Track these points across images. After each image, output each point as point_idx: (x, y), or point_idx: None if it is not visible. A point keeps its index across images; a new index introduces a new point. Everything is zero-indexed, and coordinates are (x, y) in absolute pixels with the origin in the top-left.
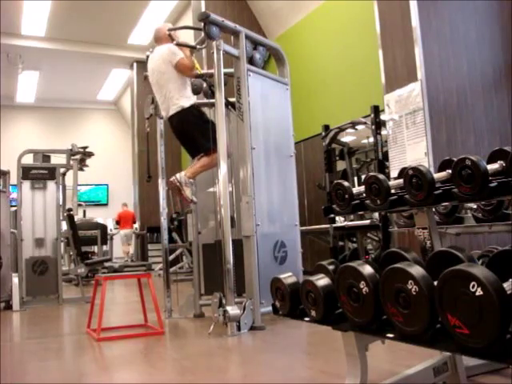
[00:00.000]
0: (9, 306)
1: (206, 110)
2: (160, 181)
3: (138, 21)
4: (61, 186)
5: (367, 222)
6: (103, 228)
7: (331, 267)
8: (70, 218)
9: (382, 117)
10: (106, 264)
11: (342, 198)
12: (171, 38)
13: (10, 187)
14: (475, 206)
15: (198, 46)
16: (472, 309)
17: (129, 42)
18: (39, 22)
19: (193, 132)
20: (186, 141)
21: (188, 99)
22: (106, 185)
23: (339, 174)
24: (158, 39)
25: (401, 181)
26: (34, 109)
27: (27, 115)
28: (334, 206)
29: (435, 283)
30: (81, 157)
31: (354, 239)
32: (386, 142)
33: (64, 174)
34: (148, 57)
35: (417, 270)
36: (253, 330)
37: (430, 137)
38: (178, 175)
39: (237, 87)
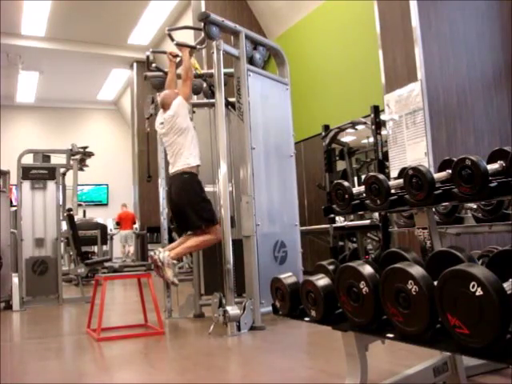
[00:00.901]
0: (9, 306)
1: (206, 109)
2: (160, 181)
3: (138, 21)
4: (61, 186)
5: (367, 222)
6: (103, 228)
7: (331, 267)
8: (70, 218)
9: (382, 117)
10: (106, 264)
11: (342, 198)
12: (171, 39)
13: (14, 187)
14: (475, 206)
15: (198, 46)
16: (472, 309)
17: (129, 42)
18: (39, 22)
19: (188, 206)
20: (178, 212)
21: (195, 158)
22: (106, 185)
23: (339, 174)
24: (166, 105)
25: (401, 181)
26: (34, 109)
27: (27, 115)
28: (334, 206)
29: (435, 283)
30: (81, 157)
31: (354, 239)
32: (385, 142)
33: (64, 174)
34: (148, 57)
35: (417, 270)
36: (253, 330)
37: (430, 137)
38: (160, 254)
39: (237, 87)
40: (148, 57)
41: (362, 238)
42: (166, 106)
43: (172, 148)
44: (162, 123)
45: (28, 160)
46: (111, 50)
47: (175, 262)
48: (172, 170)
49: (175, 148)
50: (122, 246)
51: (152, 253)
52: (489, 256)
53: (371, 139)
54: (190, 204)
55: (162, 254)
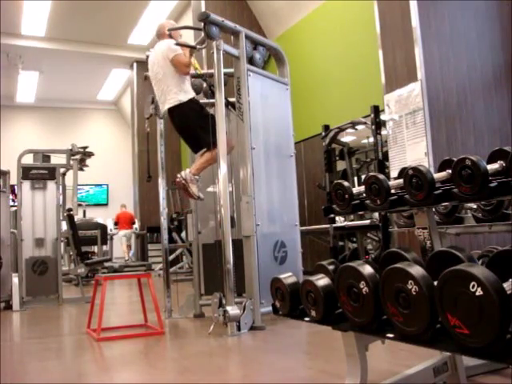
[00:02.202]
0: (9, 306)
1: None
2: (160, 181)
3: (138, 21)
4: (61, 186)
5: (367, 222)
6: (103, 228)
7: (331, 267)
8: (70, 218)
9: (382, 117)
10: (106, 264)
11: (341, 198)
12: (170, 38)
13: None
14: (475, 206)
15: (198, 46)
16: (472, 309)
17: (129, 41)
18: (39, 22)
19: (194, 127)
20: (188, 136)
21: (186, 93)
22: (106, 185)
23: (339, 174)
24: (161, 35)
25: (401, 181)
26: (34, 109)
27: (27, 115)
28: (334, 206)
29: (435, 283)
30: (81, 157)
31: (354, 239)
32: (385, 142)
33: (64, 174)
34: (148, 56)
35: (417, 270)
36: (253, 330)
37: (430, 137)
38: (182, 173)
39: (237, 87)
40: (148, 57)
41: (362, 238)
42: (159, 36)
43: (160, 86)
44: (155, 51)
45: (28, 160)
46: (111, 50)
47: (197, 177)
48: (163, 107)
49: (163, 86)
50: (121, 246)
51: (176, 177)
52: (489, 256)
53: (371, 139)
54: (197, 124)
55: (184, 172)
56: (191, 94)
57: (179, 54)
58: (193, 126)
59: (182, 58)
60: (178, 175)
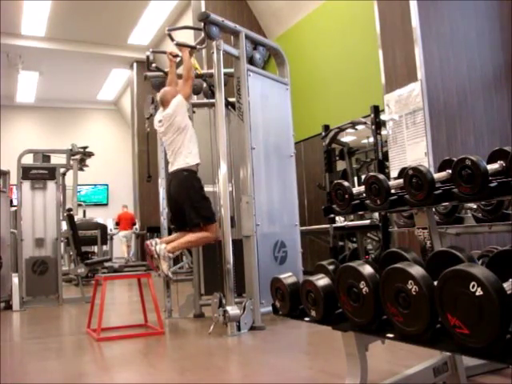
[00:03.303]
0: (9, 306)
1: (206, 109)
2: (160, 181)
3: (138, 21)
4: (61, 186)
5: (367, 222)
6: (103, 228)
7: (331, 267)
8: (70, 218)
9: (382, 117)
10: (106, 264)
11: (341, 198)
12: (171, 39)
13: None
14: (475, 206)
15: (198, 46)
16: (472, 309)
17: (129, 42)
18: (39, 22)
19: (186, 203)
20: (176, 208)
21: (194, 157)
22: (106, 185)
23: (339, 174)
24: (165, 102)
25: (401, 181)
26: (34, 109)
27: (27, 115)
28: (334, 205)
29: (435, 283)
30: (81, 157)
31: (354, 239)
32: (385, 142)
33: (64, 174)
34: (158, 122)
35: (417, 270)
36: (253, 330)
37: (430, 137)
38: (157, 246)
39: (237, 87)
40: (148, 57)
41: (362, 238)
42: (165, 103)
43: (171, 147)
44: (160, 121)
45: (28, 160)
46: (111, 50)
47: (171, 255)
48: (171, 168)
49: (174, 147)
50: (121, 246)
51: (148, 242)
52: (489, 256)
53: (371, 139)
54: (189, 201)
55: (159, 246)
56: (197, 159)
57: (180, 90)
58: (185, 200)
59: (183, 85)
60: (151, 242)
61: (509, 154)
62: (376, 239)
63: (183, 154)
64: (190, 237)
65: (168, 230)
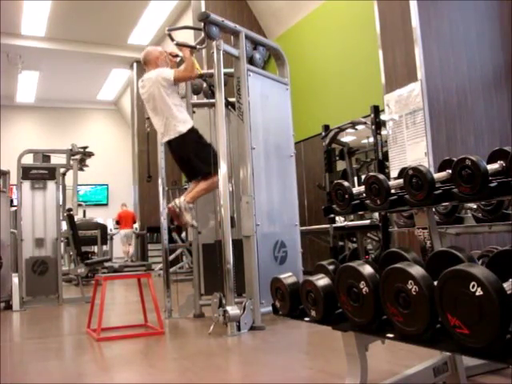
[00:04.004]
0: (9, 306)
1: (206, 109)
2: (160, 181)
3: (138, 21)
4: (61, 186)
5: (367, 222)
6: (103, 228)
7: (331, 267)
8: (70, 218)
9: (382, 117)
10: (106, 264)
11: (342, 198)
12: (171, 39)
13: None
14: (475, 206)
15: (198, 46)
16: (472, 309)
17: (129, 42)
18: (39, 22)
19: (191, 156)
20: (184, 165)
21: (186, 123)
22: (106, 185)
23: (339, 174)
24: (147, 62)
25: (401, 181)
26: (33, 109)
27: (27, 115)
28: (334, 206)
29: (435, 283)
30: (81, 157)
31: (354, 239)
32: (385, 142)
33: (64, 174)
34: (141, 86)
35: (417, 270)
36: (253, 330)
37: (430, 137)
38: (177, 201)
39: (237, 87)
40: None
41: (362, 238)
42: (147, 63)
43: (157, 117)
44: (143, 82)
45: (28, 160)
46: (111, 50)
47: (191, 205)
48: (163, 139)
49: (160, 117)
50: (124, 246)
51: (170, 204)
52: (489, 256)
53: (371, 139)
54: (193, 154)
55: (178, 200)
56: (190, 124)
57: (175, 70)
58: (190, 154)
59: (181, 70)
60: (172, 203)
61: (509, 154)
62: (376, 239)
63: (172, 124)
64: (204, 184)
65: (168, 229)
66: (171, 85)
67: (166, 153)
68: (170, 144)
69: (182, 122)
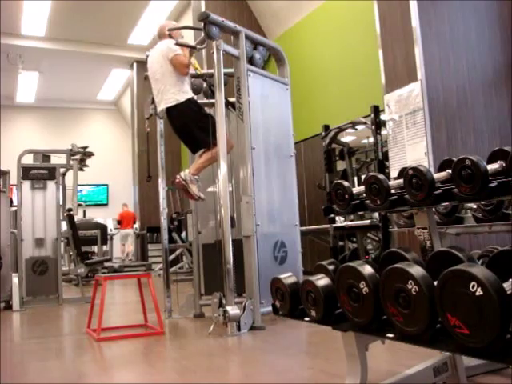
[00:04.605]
0: (9, 306)
1: (205, 109)
2: (160, 181)
3: (138, 21)
4: (61, 186)
5: (367, 222)
6: (103, 228)
7: (331, 267)
8: (70, 218)
9: (382, 117)
10: (106, 264)
11: (341, 198)
12: (171, 38)
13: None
14: (475, 206)
15: (198, 46)
16: (472, 309)
17: (129, 42)
18: (39, 22)
19: (192, 127)
20: (186, 136)
21: (184, 93)
22: (106, 185)
23: (339, 174)
24: (162, 35)
25: (401, 181)
26: (33, 109)
27: (27, 115)
28: (334, 206)
29: (435, 283)
30: (81, 157)
31: (354, 239)
32: (385, 142)
33: (64, 174)
34: (147, 56)
35: (417, 270)
36: (253, 330)
37: (430, 137)
38: (182, 174)
39: (237, 87)
40: (148, 56)
41: (362, 238)
42: (162, 36)
43: (157, 85)
44: (152, 53)
45: (28, 160)
46: (111, 50)
47: (196, 177)
48: (159, 107)
49: (160, 86)
50: (121, 245)
51: (176, 177)
52: (489, 256)
53: (371, 139)
54: (194, 124)
55: (183, 173)
56: (189, 95)
57: (179, 54)
58: (191, 125)
59: (181, 58)
60: (178, 176)
61: (509, 154)
62: (376, 239)
63: (170, 92)
64: (207, 154)
65: (168, 229)
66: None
67: (166, 123)
68: (168, 113)
69: (181, 91)
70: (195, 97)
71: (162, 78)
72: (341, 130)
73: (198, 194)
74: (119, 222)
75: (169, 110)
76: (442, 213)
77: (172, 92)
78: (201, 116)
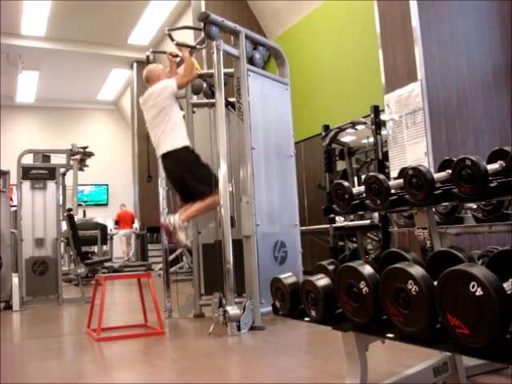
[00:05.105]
0: (9, 306)
1: (206, 109)
2: (160, 181)
3: (138, 21)
4: (61, 186)
5: (367, 222)
6: (103, 228)
7: (331, 267)
8: (70, 218)
9: (382, 117)
10: (106, 264)
11: (341, 198)
12: (171, 39)
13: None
14: (475, 206)
15: (198, 46)
16: (472, 309)
17: (129, 41)
18: (39, 22)
19: (187, 177)
20: (179, 185)
21: (181, 140)
22: (106, 185)
23: (339, 174)
24: (150, 79)
25: (401, 181)
26: (33, 109)
27: (27, 115)
28: (334, 206)
29: (435, 283)
30: (81, 157)
31: (354, 239)
32: (385, 142)
33: (64, 174)
34: (141, 103)
35: (417, 270)
36: (253, 330)
37: (430, 137)
38: (171, 218)
39: (237, 87)
40: (148, 57)
41: (362, 238)
42: (149, 81)
43: (155, 130)
44: (145, 99)
45: (28, 160)
46: (111, 50)
47: (186, 224)
48: (158, 152)
49: (158, 130)
50: (121, 245)
51: (162, 220)
52: (489, 256)
53: (371, 139)
54: (189, 173)
55: (173, 217)
56: (186, 142)
57: (176, 78)
58: (186, 175)
59: (182, 76)
60: (167, 219)
61: (509, 154)
62: (376, 239)
63: (168, 137)
64: (200, 204)
65: None
66: (175, 94)
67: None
68: (164, 159)
69: (178, 137)
70: (191, 147)
71: (160, 124)
72: (341, 129)
73: (185, 241)
74: (117, 223)
75: (164, 156)
76: (442, 213)
77: (169, 138)
78: (198, 166)
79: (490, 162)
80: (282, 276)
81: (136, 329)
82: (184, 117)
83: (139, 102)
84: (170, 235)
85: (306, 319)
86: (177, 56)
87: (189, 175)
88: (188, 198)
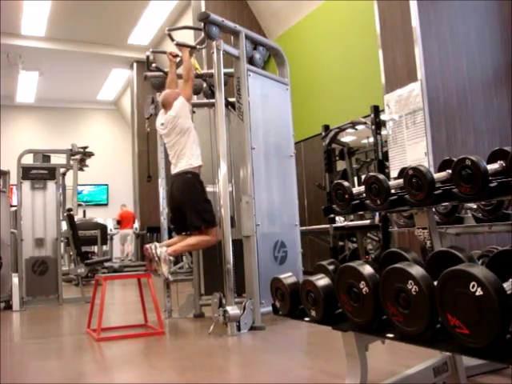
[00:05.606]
0: (9, 306)
1: (206, 109)
2: (160, 181)
3: (138, 21)
4: (61, 186)
5: (367, 222)
6: (103, 228)
7: (331, 267)
8: (70, 218)
9: (382, 117)
10: (106, 264)
11: (341, 198)
12: (170, 39)
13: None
14: (475, 206)
15: (198, 46)
16: (472, 309)
17: (129, 41)
18: (39, 22)
19: (187, 207)
20: (177, 212)
21: (196, 159)
22: (106, 185)
23: (339, 174)
24: (167, 104)
25: (401, 181)
26: (33, 109)
27: (27, 115)
28: (334, 206)
29: (435, 283)
30: (81, 157)
31: (354, 239)
32: (385, 142)
33: (64, 174)
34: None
35: (417, 270)
36: (253, 330)
37: (430, 137)
38: (157, 249)
39: (237, 87)
40: (148, 57)
41: (362, 238)
42: (167, 106)
43: (174, 148)
44: (162, 124)
45: (28, 160)
46: (111, 50)
47: (171, 258)
48: (174, 170)
49: (177, 149)
50: (121, 245)
51: (147, 246)
52: (489, 256)
53: (371, 139)
54: (191, 203)
55: (159, 249)
56: (200, 161)
57: (181, 93)
58: (189, 202)
59: (183, 87)
60: (150, 248)
61: (509, 154)
62: (376, 239)
63: (186, 155)
64: (191, 240)
65: (168, 230)
66: (190, 109)
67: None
68: (175, 178)
69: (194, 156)
70: (201, 175)
71: (179, 143)
72: (341, 130)
73: (167, 275)
74: (119, 223)
75: (177, 175)
76: (442, 213)
77: (187, 156)
78: (202, 199)
79: (490, 162)
80: (281, 276)
81: (136, 329)
82: None
83: (157, 126)
84: (151, 264)
85: (306, 319)
86: (177, 56)
87: (189, 206)
88: (180, 229)
